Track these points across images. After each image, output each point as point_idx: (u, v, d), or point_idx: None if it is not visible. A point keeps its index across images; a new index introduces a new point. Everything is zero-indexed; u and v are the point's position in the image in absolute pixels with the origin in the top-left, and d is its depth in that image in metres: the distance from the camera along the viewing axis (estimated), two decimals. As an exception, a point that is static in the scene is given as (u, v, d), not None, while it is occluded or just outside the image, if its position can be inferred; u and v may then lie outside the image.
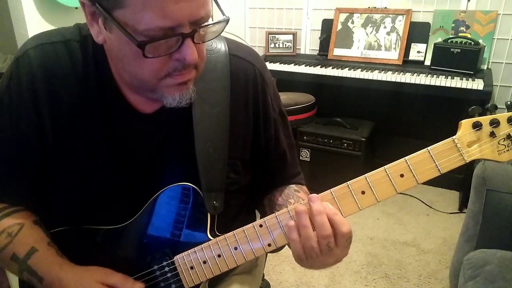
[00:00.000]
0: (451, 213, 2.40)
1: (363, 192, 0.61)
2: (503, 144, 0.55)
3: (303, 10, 2.90)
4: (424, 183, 0.60)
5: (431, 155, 0.58)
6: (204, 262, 0.69)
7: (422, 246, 2.11)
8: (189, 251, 0.70)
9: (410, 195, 2.56)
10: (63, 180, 0.72)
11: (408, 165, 0.59)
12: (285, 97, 2.55)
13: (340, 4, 2.76)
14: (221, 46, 0.75)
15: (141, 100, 0.70)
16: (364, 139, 2.41)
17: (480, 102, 2.21)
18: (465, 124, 0.57)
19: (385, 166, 0.60)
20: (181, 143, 0.73)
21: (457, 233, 1.49)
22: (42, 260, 0.71)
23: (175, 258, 0.71)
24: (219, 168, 0.72)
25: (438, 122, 2.65)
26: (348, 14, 2.71)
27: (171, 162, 0.73)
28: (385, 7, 2.65)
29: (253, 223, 0.66)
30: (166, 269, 0.72)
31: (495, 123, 0.56)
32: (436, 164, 0.58)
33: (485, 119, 0.56)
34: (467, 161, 0.57)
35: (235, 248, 0.67)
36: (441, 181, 2.63)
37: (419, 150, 0.60)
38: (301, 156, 2.55)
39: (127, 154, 0.72)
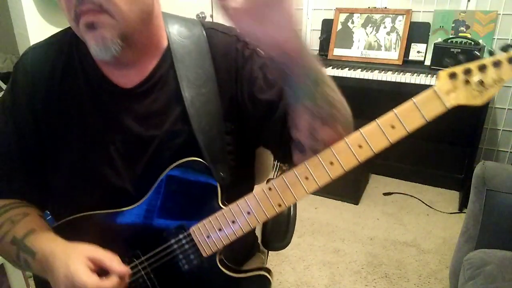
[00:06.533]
0: (451, 213, 2.40)
1: (360, 146, 0.65)
2: (477, 90, 0.63)
3: (303, 10, 2.90)
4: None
5: (416, 105, 0.64)
6: (220, 230, 0.72)
7: (422, 246, 2.11)
8: (203, 221, 0.73)
9: (410, 195, 2.56)
10: (63, 167, 0.76)
11: (396, 115, 0.64)
12: (285, 97, 2.55)
13: (340, 4, 2.76)
14: (198, 29, 0.79)
15: (118, 74, 0.74)
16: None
17: (480, 102, 2.21)
18: (442, 75, 0.63)
19: (376, 119, 0.65)
20: (176, 124, 0.75)
21: (457, 233, 1.49)
22: (38, 237, 0.73)
23: (190, 229, 0.73)
24: (218, 141, 0.76)
25: (438, 122, 2.64)
26: (348, 14, 2.71)
27: (169, 138, 0.76)
28: (385, 7, 2.65)
29: (262, 187, 0.69)
30: (183, 241, 0.75)
31: (468, 72, 0.62)
32: (421, 113, 0.64)
33: (459, 69, 0.62)
34: (448, 107, 0.63)
35: (248, 213, 0.70)
36: (441, 181, 2.63)
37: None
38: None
39: (117, 131, 0.75)
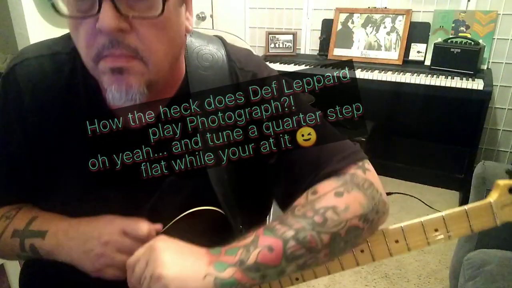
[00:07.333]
0: (451, 213, 2.40)
1: (396, 241, 0.62)
2: None
3: (303, 10, 2.90)
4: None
5: (467, 213, 0.60)
6: None
7: (422, 246, 2.11)
8: None
9: (410, 195, 2.56)
10: (55, 201, 0.69)
11: (443, 219, 0.60)
12: (285, 97, 2.55)
13: (340, 4, 2.76)
14: (221, 56, 0.70)
15: (126, 111, 0.64)
16: (364, 139, 2.41)
17: (480, 102, 2.21)
18: (502, 187, 0.59)
19: (421, 219, 0.61)
20: (191, 169, 0.65)
21: (457, 233, 1.49)
22: (45, 219, 0.67)
23: None
24: (237, 190, 0.69)
25: (438, 122, 2.65)
26: (348, 14, 2.71)
27: (182, 187, 0.68)
28: (385, 7, 2.65)
29: None
30: None
31: None
32: (469, 223, 0.60)
33: None
34: (498, 225, 0.60)
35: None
36: (441, 181, 2.63)
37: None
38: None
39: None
